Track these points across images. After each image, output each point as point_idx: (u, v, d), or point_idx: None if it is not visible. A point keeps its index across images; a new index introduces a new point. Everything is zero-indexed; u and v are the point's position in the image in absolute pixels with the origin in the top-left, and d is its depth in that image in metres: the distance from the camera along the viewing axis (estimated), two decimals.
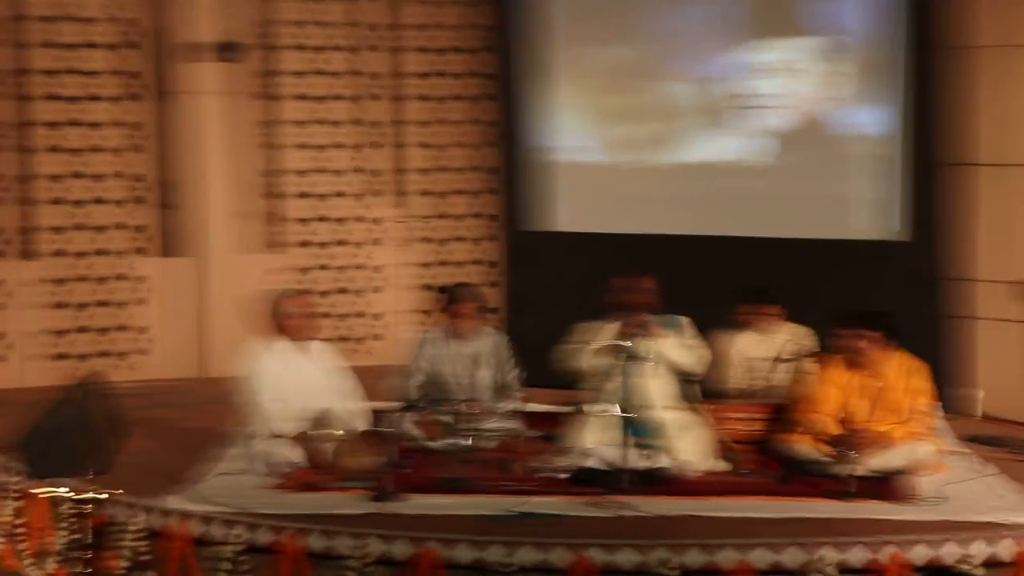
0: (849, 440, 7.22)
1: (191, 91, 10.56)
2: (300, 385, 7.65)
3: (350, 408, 7.75)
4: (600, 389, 7.66)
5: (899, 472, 7.17)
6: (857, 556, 6.17)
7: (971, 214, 9.19)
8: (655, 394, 7.65)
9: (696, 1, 9.88)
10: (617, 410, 7.34)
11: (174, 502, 6.83)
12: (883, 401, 7.42)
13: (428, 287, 11.14)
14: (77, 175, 10.21)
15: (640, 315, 7.63)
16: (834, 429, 7.37)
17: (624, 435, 7.17)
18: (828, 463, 7.23)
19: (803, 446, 7.39)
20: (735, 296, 8.49)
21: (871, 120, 9.48)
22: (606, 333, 7.76)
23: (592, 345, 7.76)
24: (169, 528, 6.63)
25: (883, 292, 8.82)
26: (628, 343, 7.57)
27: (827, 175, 9.67)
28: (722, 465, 7.57)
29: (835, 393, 7.56)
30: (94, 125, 10.24)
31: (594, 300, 8.42)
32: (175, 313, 10.58)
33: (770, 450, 7.78)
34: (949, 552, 6.21)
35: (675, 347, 7.73)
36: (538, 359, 8.71)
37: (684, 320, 7.96)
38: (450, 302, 8.20)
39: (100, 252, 10.31)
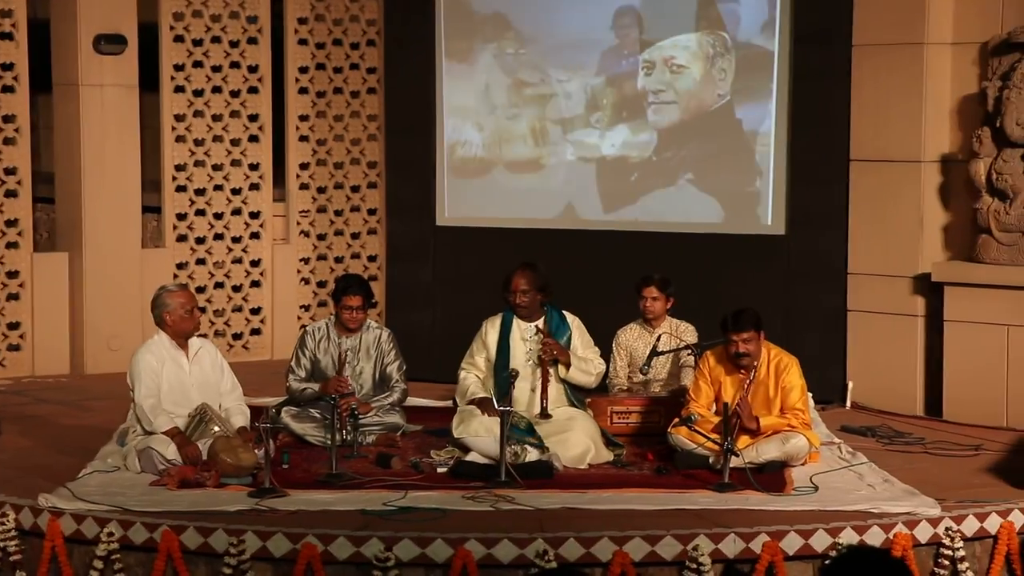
0: (728, 425, 7.19)
1: (67, 83, 10.41)
2: (178, 382, 7.56)
3: (229, 405, 7.68)
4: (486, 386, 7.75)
5: (773, 463, 7.25)
6: (731, 546, 6.25)
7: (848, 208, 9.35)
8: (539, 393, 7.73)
9: None
10: (497, 404, 7.34)
11: (46, 500, 6.71)
12: (755, 396, 7.45)
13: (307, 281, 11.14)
14: None
15: (547, 346, 7.67)
16: (711, 419, 7.39)
17: (505, 429, 7.16)
18: (705, 455, 7.27)
19: (681, 438, 7.40)
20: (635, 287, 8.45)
21: (753, 115, 9.58)
22: (500, 342, 7.82)
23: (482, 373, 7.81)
24: (41, 526, 6.57)
25: (762, 285, 8.96)
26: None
27: (711, 169, 9.73)
28: (602, 458, 7.58)
29: (707, 388, 7.61)
30: None
31: (475, 294, 8.46)
32: (49, 309, 10.39)
33: (651, 442, 7.80)
34: (820, 540, 6.33)
35: (578, 372, 7.76)
36: (417, 353, 8.72)
37: (574, 322, 7.97)
38: (336, 295, 8.13)
39: None
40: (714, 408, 7.51)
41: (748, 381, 7.47)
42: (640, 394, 8.22)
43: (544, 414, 7.55)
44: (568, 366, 7.71)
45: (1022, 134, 8.58)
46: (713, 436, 7.22)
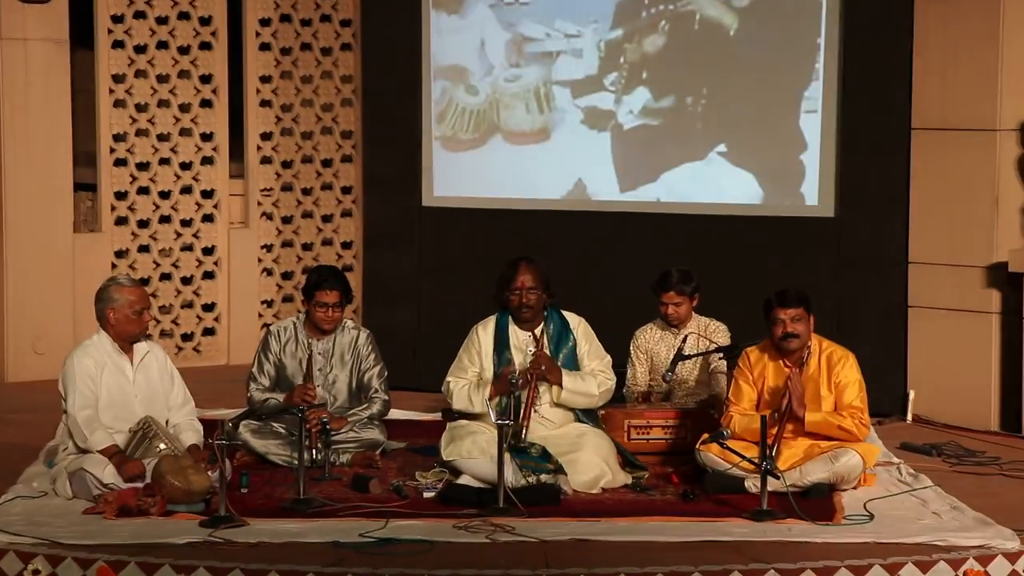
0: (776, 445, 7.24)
1: None
2: (120, 391, 7.54)
3: (178, 420, 7.67)
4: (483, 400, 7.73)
5: (820, 486, 7.26)
6: None
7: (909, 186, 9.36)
8: (545, 410, 7.75)
9: None
10: (495, 418, 7.35)
11: None
12: (807, 393, 7.45)
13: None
14: None
15: (539, 359, 7.68)
16: (751, 428, 7.37)
17: (503, 448, 7.18)
18: (740, 477, 7.29)
19: (713, 456, 7.41)
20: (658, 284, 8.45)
21: (796, 76, 9.59)
22: (495, 352, 7.83)
23: (476, 393, 7.77)
24: None
25: (807, 276, 8.93)
26: (517, 386, 7.62)
27: (748, 140, 9.75)
28: (618, 481, 7.60)
29: (749, 388, 7.65)
30: None
31: (467, 287, 8.46)
32: None
33: (676, 462, 7.83)
34: None
35: (573, 394, 7.76)
36: (400, 357, 8.72)
37: (578, 326, 7.98)
38: (308, 290, 8.10)
39: None
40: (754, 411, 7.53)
41: (796, 378, 7.47)
42: (663, 406, 8.24)
43: (518, 442, 7.47)
44: (560, 386, 7.72)
45: None
46: (750, 455, 7.21)
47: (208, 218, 11.07)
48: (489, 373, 7.78)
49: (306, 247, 11.28)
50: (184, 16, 10.85)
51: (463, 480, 7.39)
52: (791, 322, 7.42)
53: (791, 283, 7.66)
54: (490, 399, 7.65)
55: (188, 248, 11.03)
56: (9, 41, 10.33)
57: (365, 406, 8.00)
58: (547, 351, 7.78)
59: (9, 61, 10.35)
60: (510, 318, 7.87)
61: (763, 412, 7.47)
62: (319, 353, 7.99)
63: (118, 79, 10.72)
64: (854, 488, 7.40)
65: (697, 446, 7.56)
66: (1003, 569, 6.53)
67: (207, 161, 11.03)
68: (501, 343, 7.85)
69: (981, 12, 9.11)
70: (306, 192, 11.33)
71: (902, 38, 9.26)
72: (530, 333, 7.83)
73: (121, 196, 10.81)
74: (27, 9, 10.32)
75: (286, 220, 11.30)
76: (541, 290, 7.78)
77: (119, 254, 10.74)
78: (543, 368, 7.65)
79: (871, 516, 7.08)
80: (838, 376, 7.53)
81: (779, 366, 7.55)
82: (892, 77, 9.30)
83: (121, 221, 10.81)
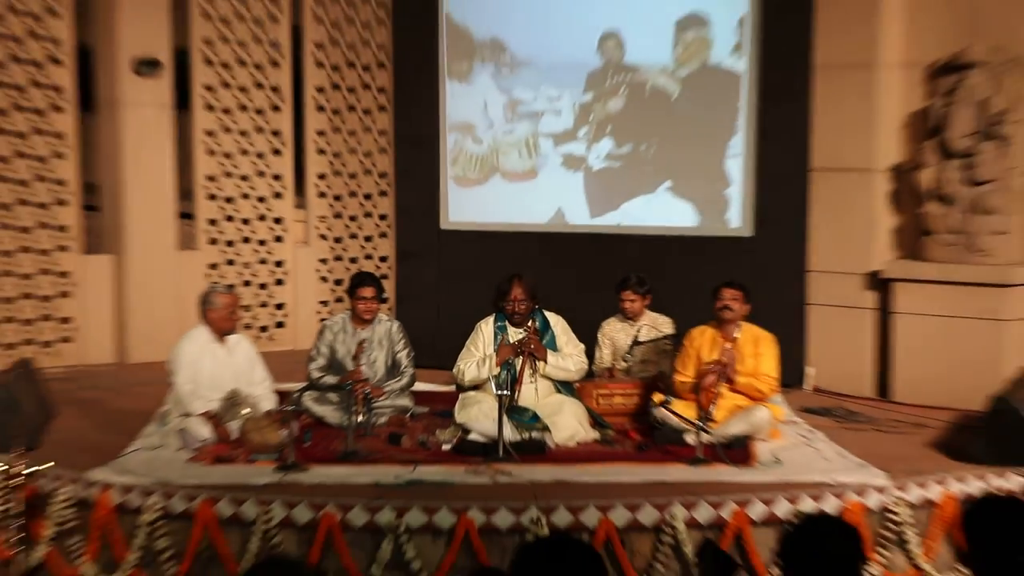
0: (704, 406, 7.30)
1: (110, 103, 10.45)
2: (215, 371, 7.58)
3: (258, 390, 7.70)
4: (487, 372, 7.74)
5: (739, 438, 7.29)
6: (703, 513, 6.30)
7: (808, 212, 9.37)
8: (534, 383, 7.76)
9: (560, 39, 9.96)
10: (495, 390, 7.31)
11: (97, 474, 6.75)
12: (736, 362, 7.49)
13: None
14: (2, 179, 10.05)
15: (530, 339, 7.70)
16: (689, 393, 7.46)
17: (502, 412, 7.17)
18: (682, 431, 7.29)
19: (664, 412, 7.42)
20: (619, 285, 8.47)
21: (724, 130, 9.56)
22: (495, 342, 7.83)
23: (482, 368, 7.77)
24: (93, 498, 6.62)
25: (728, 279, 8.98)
26: (514, 360, 7.66)
27: (687, 178, 9.73)
28: (589, 437, 7.59)
29: (694, 355, 7.68)
30: (19, 134, 10.08)
31: (475, 290, 8.46)
32: (96, 305, 10.43)
33: (634, 420, 7.84)
34: (781, 508, 6.38)
35: (555, 369, 7.76)
36: (424, 343, 8.74)
37: (557, 322, 7.97)
38: (351, 289, 8.11)
39: (25, 250, 10.17)
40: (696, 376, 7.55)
41: (730, 347, 7.52)
42: (623, 379, 8.24)
43: (512, 407, 7.46)
44: (545, 361, 7.73)
45: (962, 147, 8.62)
46: (690, 415, 7.25)
47: (278, 239, 11.07)
48: (490, 362, 7.77)
49: (352, 260, 11.27)
50: (259, 86, 10.86)
51: (472, 436, 7.41)
52: (730, 300, 7.54)
53: (732, 286, 7.70)
54: (493, 369, 7.65)
55: (263, 262, 11.04)
56: (130, 106, 10.33)
57: (397, 379, 7.98)
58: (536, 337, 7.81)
59: (130, 121, 10.35)
60: (505, 318, 7.89)
61: (699, 377, 7.55)
62: (363, 339, 7.95)
63: (209, 133, 10.72)
64: (765, 440, 7.41)
65: (652, 406, 7.57)
66: (875, 499, 6.58)
67: (277, 196, 11.03)
68: (500, 335, 7.87)
69: (860, 83, 9.15)
70: (352, 219, 11.31)
71: (802, 101, 9.25)
72: (524, 325, 7.83)
73: (212, 223, 10.82)
74: (141, 81, 10.33)
75: (337, 240, 11.29)
76: (529, 300, 7.81)
77: (211, 267, 10.75)
78: (533, 347, 7.69)
79: (778, 461, 7.11)
80: (760, 348, 7.58)
81: (715, 341, 7.61)
82: (794, 130, 9.30)
83: (212, 242, 10.82)
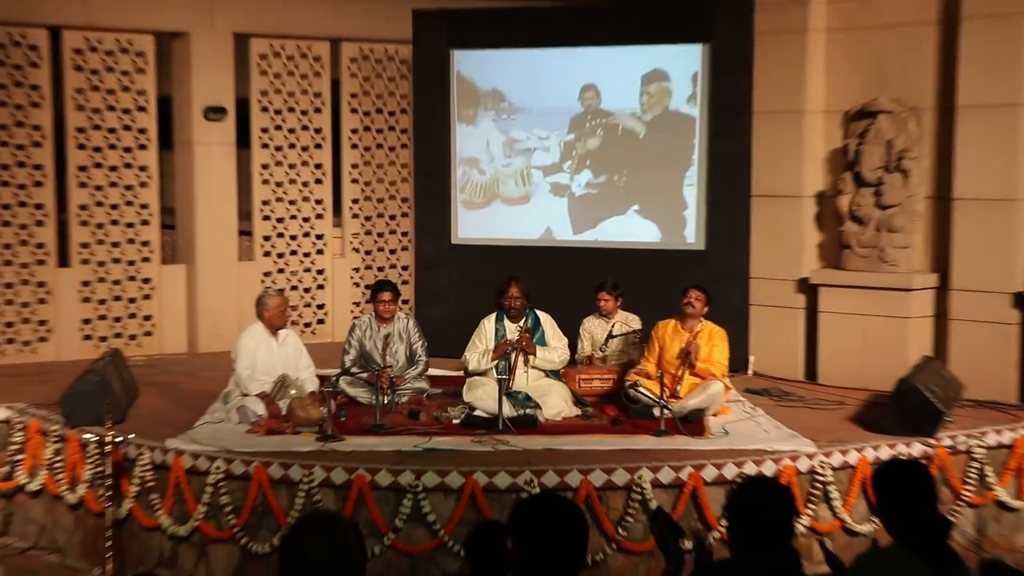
0: (671, 384, 7.32)
1: (184, 142, 10.45)
2: (268, 359, 7.60)
3: (303, 375, 7.71)
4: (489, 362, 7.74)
5: (696, 412, 7.30)
6: (665, 475, 6.36)
7: (750, 231, 9.34)
8: (526, 372, 7.75)
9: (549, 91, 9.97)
10: (496, 375, 7.38)
11: (172, 443, 6.80)
12: (695, 352, 7.49)
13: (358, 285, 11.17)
14: (99, 204, 10.10)
15: (523, 338, 7.67)
16: (654, 376, 7.41)
17: (501, 393, 7.20)
18: (649, 407, 7.28)
19: (634, 392, 7.41)
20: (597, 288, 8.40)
21: (681, 164, 9.53)
22: (495, 336, 7.82)
23: (483, 358, 7.77)
24: (168, 462, 6.67)
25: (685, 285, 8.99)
26: (511, 352, 7.66)
27: (652, 202, 9.71)
28: (572, 413, 7.60)
29: (658, 343, 7.67)
30: (112, 168, 10.12)
31: (479, 294, 8.47)
32: (172, 305, 10.44)
33: (609, 400, 7.81)
34: (729, 471, 6.43)
35: (542, 361, 7.76)
36: (437, 337, 8.74)
37: (546, 320, 7.94)
38: (373, 294, 8.09)
39: (116, 261, 10.19)
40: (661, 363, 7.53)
41: (691, 339, 7.54)
42: (600, 366, 8.22)
43: (509, 389, 7.43)
44: (535, 355, 7.72)
45: (873, 177, 8.64)
46: (653, 393, 7.24)
47: (319, 252, 11.03)
48: (492, 346, 7.79)
49: (379, 269, 11.24)
50: (305, 128, 10.83)
51: (477, 413, 7.41)
52: (695, 299, 7.56)
53: (678, 293, 7.72)
54: (492, 361, 7.67)
55: (307, 270, 11.00)
56: (201, 144, 10.34)
57: (415, 367, 7.96)
58: (515, 342, 7.75)
59: (200, 157, 10.35)
60: (504, 315, 7.89)
61: (662, 364, 7.55)
62: (387, 334, 7.93)
63: (264, 167, 10.71)
64: (716, 415, 7.42)
65: (625, 386, 7.54)
66: (805, 463, 6.63)
67: (319, 217, 11.00)
68: (499, 330, 7.86)
69: (791, 126, 9.15)
70: (379, 235, 11.29)
71: (744, 140, 9.23)
72: (517, 324, 7.84)
73: (266, 239, 10.80)
74: (210, 125, 10.34)
75: (367, 253, 11.27)
76: (524, 298, 7.82)
77: (265, 274, 10.72)
78: (524, 344, 7.69)
79: (726, 433, 7.14)
80: (714, 340, 7.58)
81: (676, 332, 7.61)
82: (738, 164, 9.26)
83: (266, 254, 10.80)
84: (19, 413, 7.65)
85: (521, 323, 7.83)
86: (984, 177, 8.37)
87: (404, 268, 11.24)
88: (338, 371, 7.89)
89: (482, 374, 7.74)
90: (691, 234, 9.53)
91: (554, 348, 7.85)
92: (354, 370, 7.85)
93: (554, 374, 7.85)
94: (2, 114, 9.70)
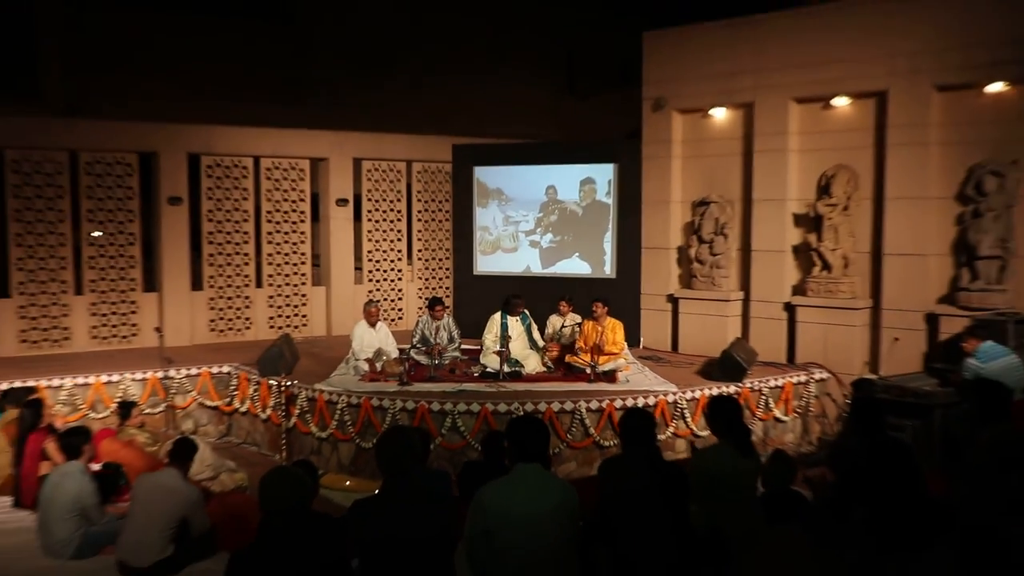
0: (590, 358, 7.26)
1: (326, 217, 10.36)
2: (369, 339, 7.54)
3: (389, 349, 7.65)
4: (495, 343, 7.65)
5: (610, 371, 7.22)
6: (594, 405, 6.34)
7: (641, 266, 9.24)
8: (518, 345, 7.64)
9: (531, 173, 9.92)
10: (498, 348, 7.35)
11: (317, 386, 6.78)
12: (604, 338, 7.40)
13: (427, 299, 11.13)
14: (278, 251, 10.07)
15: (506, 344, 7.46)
16: (587, 353, 7.36)
17: (502, 358, 7.19)
18: (583, 368, 7.21)
19: (575, 360, 7.36)
20: (558, 299, 8.31)
21: (602, 227, 9.45)
22: (500, 327, 7.68)
23: (492, 338, 7.64)
24: (316, 396, 6.64)
25: (607, 299, 8.95)
26: (508, 334, 7.59)
27: (587, 250, 9.65)
28: (543, 369, 7.53)
29: (584, 333, 7.52)
30: (287, 232, 10.07)
31: (488, 304, 8.42)
32: (317, 308, 10.37)
33: (561, 363, 7.71)
34: (628, 403, 6.41)
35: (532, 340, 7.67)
36: (468, 327, 8.68)
37: (531, 320, 7.84)
38: (431, 304, 7.96)
39: (288, 283, 10.14)
40: (588, 344, 7.43)
41: (601, 330, 7.43)
42: (557, 344, 8.05)
43: (507, 357, 7.34)
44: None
45: (708, 238, 8.62)
46: (584, 361, 7.20)
47: (399, 279, 10.94)
48: (498, 335, 7.62)
49: (433, 289, 11.13)
50: (391, 209, 10.75)
51: (488, 370, 7.32)
52: (595, 308, 7.38)
53: (600, 301, 7.70)
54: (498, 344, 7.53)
55: (393, 290, 10.91)
56: (334, 219, 10.20)
57: (452, 344, 7.72)
58: (522, 329, 7.62)
59: (334, 226, 10.22)
60: (507, 314, 7.76)
61: (587, 344, 7.40)
62: (436, 326, 7.77)
63: (369, 232, 10.63)
64: (621, 372, 7.31)
65: (567, 359, 7.47)
66: (671, 398, 6.67)
67: (399, 259, 10.91)
68: (503, 323, 7.73)
69: (663, 208, 9.06)
70: (433, 271, 11.20)
71: (637, 216, 9.08)
72: (516, 318, 7.72)
73: (370, 272, 10.71)
74: (339, 208, 10.29)
75: (426, 281, 11.18)
76: (522, 306, 7.75)
77: (368, 292, 10.62)
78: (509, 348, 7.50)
79: (627, 380, 7.08)
80: (616, 331, 7.43)
81: (594, 327, 7.47)
82: (634, 230, 9.11)
83: (370, 281, 10.71)
84: (235, 368, 7.70)
85: (519, 320, 7.72)
86: (767, 236, 8.37)
87: (446, 289, 11.15)
88: (409, 346, 7.89)
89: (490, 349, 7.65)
90: (609, 270, 9.47)
91: (536, 338, 7.78)
92: (419, 346, 7.80)
93: (533, 346, 7.78)
94: (226, 204, 9.68)
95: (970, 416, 4.12)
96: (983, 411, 3.89)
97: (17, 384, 6.76)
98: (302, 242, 10.21)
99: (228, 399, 7.64)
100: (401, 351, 7.79)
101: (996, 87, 6.85)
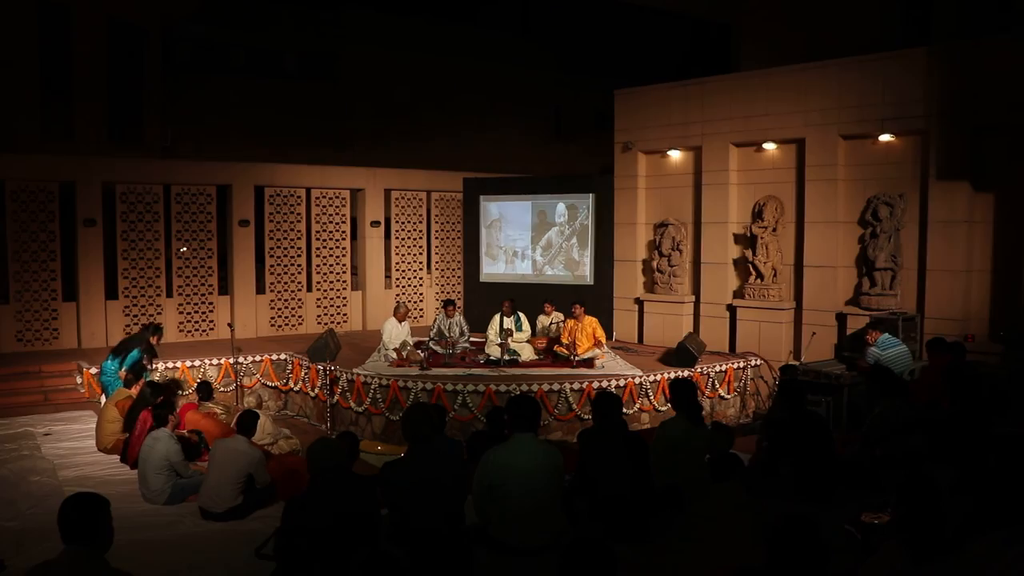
0: (571, 349, 7.19)
1: (361, 236, 10.22)
2: (397, 333, 7.45)
3: (411, 340, 7.55)
4: (497, 336, 7.60)
5: (588, 359, 7.14)
6: (575, 386, 6.28)
7: (614, 275, 9.13)
8: (515, 339, 7.58)
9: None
10: (499, 340, 7.31)
11: (355, 370, 6.70)
12: (582, 333, 7.31)
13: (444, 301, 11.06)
14: (325, 263, 9.96)
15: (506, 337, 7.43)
16: (567, 344, 7.29)
17: (502, 348, 7.15)
18: (567, 356, 7.14)
19: (560, 350, 7.29)
20: (545, 301, 8.26)
21: (582, 244, 9.34)
22: (499, 324, 7.63)
23: (493, 332, 7.59)
24: (354, 378, 6.59)
25: (586, 302, 8.90)
26: (508, 329, 7.52)
27: (570, 262, 9.51)
28: (536, 357, 7.42)
29: (567, 330, 7.34)
30: (332, 248, 9.97)
31: (491, 306, 8.38)
32: (355, 309, 10.24)
33: (551, 352, 7.63)
34: (603, 384, 6.37)
35: (523, 336, 7.62)
36: (476, 324, 8.63)
37: (523, 318, 7.78)
38: (445, 305, 7.92)
39: (335, 290, 10.03)
40: (569, 338, 7.34)
41: (579, 327, 7.34)
42: (545, 338, 7.99)
43: (507, 347, 7.30)
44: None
45: (667, 252, 8.56)
46: (567, 352, 7.11)
47: (421, 284, 10.81)
48: (498, 331, 7.56)
49: (447, 293, 11.00)
50: (415, 229, 10.62)
51: (492, 357, 7.25)
52: (578, 309, 7.28)
53: (578, 304, 7.66)
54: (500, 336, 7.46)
55: (415, 293, 10.76)
56: (369, 238, 10.10)
57: (463, 337, 7.68)
58: (514, 326, 7.57)
59: (368, 244, 10.14)
60: (503, 315, 7.72)
61: (568, 339, 7.33)
62: (450, 323, 7.72)
63: (396, 248, 10.50)
64: (598, 359, 7.21)
65: (554, 348, 7.40)
66: (638, 380, 6.58)
67: (421, 269, 10.77)
68: (500, 322, 7.67)
69: (630, 229, 8.99)
70: (448, 278, 11.08)
71: (610, 237, 9.00)
72: (510, 317, 7.69)
73: (397, 280, 10.57)
74: (373, 229, 10.13)
75: (441, 286, 11.03)
76: (511, 307, 7.67)
77: (396, 296, 10.48)
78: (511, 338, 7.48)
79: (603, 367, 6.99)
80: (594, 327, 7.33)
81: (574, 324, 7.37)
82: (608, 246, 9.08)
83: (398, 286, 10.57)
84: (290, 356, 7.63)
85: (511, 319, 7.69)
86: (713, 251, 8.35)
87: (459, 292, 11.00)
88: (428, 339, 7.81)
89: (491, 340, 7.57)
90: (588, 278, 9.37)
91: (526, 331, 7.74)
92: (435, 338, 7.72)
93: (527, 340, 7.69)
94: (284, 226, 9.67)
95: (869, 394, 4.21)
96: (878, 390, 3.96)
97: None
98: (343, 255, 10.08)
99: (285, 380, 7.63)
100: (421, 342, 7.75)
101: (886, 137, 7.12)
